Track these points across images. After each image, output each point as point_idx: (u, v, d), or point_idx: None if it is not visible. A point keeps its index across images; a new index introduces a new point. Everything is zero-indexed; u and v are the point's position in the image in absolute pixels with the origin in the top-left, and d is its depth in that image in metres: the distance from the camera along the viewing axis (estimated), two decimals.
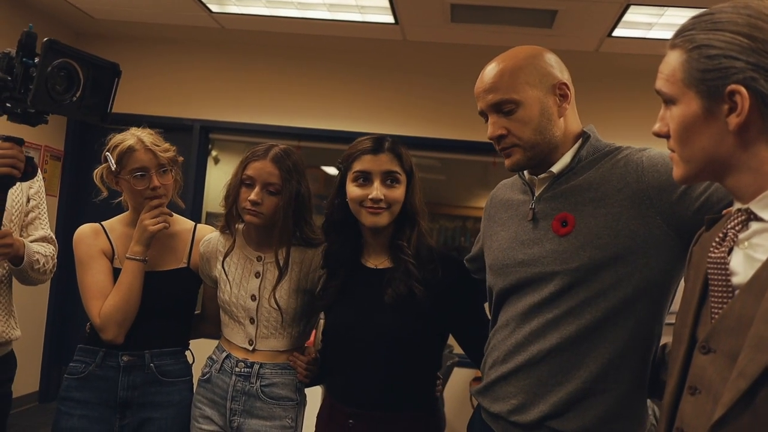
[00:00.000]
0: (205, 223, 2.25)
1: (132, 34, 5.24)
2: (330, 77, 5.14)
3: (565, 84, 1.49)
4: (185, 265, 2.12)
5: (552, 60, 1.51)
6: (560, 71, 1.51)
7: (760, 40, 0.97)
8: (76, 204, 5.15)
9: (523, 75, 1.46)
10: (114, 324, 1.95)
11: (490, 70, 1.50)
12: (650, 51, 4.43)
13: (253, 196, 1.87)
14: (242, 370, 1.93)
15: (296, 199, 1.91)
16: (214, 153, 5.56)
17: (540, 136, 1.46)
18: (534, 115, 1.45)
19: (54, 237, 2.20)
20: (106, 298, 1.97)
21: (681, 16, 3.84)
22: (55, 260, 2.16)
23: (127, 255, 2.01)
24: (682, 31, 1.06)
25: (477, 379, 4.33)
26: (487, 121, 1.52)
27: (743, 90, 0.97)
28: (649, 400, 1.50)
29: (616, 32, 4.31)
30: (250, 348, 1.95)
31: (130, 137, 2.02)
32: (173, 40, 5.25)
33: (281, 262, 1.92)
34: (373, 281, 1.78)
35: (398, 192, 1.76)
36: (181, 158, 2.13)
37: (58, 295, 5.16)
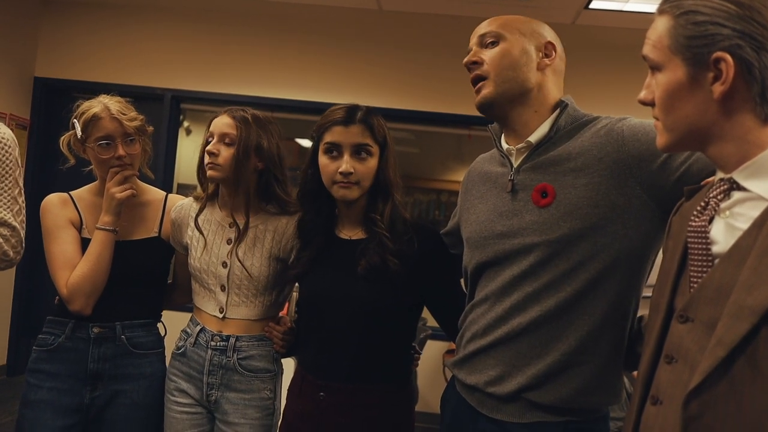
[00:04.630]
0: (173, 194, 2.21)
1: (102, 1, 5.09)
2: (304, 47, 5.06)
3: (552, 44, 1.54)
4: (156, 235, 2.09)
5: (549, 30, 1.57)
6: (554, 39, 1.55)
7: (747, 6, 0.96)
8: (44, 174, 5.04)
9: (518, 23, 1.53)
10: (82, 295, 1.92)
11: (492, 17, 1.57)
12: (627, 24, 4.43)
13: (209, 147, 1.89)
14: (218, 343, 1.91)
15: (257, 153, 1.91)
16: (186, 124, 5.47)
17: (512, 72, 1.49)
18: (512, 51, 1.50)
19: (12, 219, 1.96)
20: (74, 269, 1.93)
21: None
22: (12, 245, 1.95)
23: (97, 225, 1.96)
24: None
25: (450, 352, 4.36)
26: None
27: (728, 57, 0.96)
28: None
29: (593, 4, 4.30)
30: (221, 316, 1.93)
31: (96, 105, 1.96)
32: (144, 7, 5.12)
33: (243, 218, 1.91)
34: (347, 252, 1.76)
35: (369, 165, 1.73)
36: (150, 128, 2.08)
37: (25, 267, 5.04)
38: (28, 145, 5.12)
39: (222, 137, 1.89)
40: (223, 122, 1.91)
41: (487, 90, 1.50)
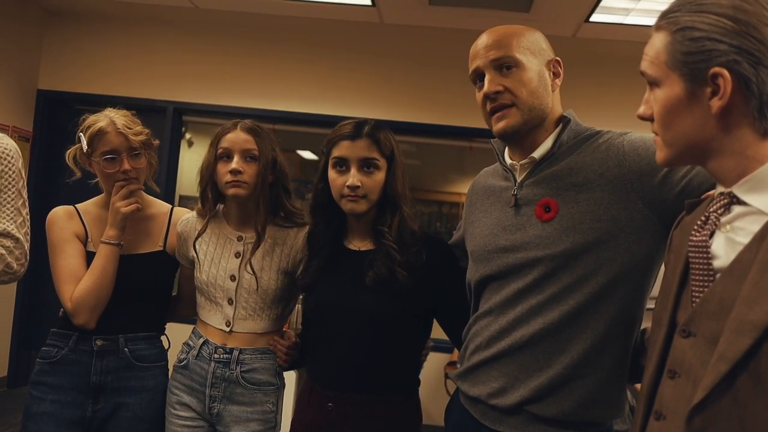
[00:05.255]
0: (178, 207, 2.21)
1: (104, 13, 5.12)
2: (306, 59, 5.08)
3: (558, 62, 1.53)
4: (161, 248, 2.09)
5: (544, 38, 1.55)
6: (552, 52, 1.54)
7: (743, 22, 0.97)
8: (47, 186, 5.05)
9: (525, 41, 1.50)
10: (86, 309, 1.92)
11: (493, 31, 1.53)
12: (627, 37, 4.45)
13: (233, 165, 1.87)
14: (221, 356, 1.91)
15: (273, 167, 1.93)
16: (187, 136, 5.48)
17: (536, 100, 1.48)
18: (532, 77, 1.48)
19: (16, 231, 1.93)
20: (79, 282, 1.94)
21: (658, 1, 3.86)
22: (16, 257, 1.93)
23: (102, 239, 1.97)
24: (668, 13, 1.05)
25: (451, 364, 4.34)
26: (476, 84, 1.53)
27: (726, 73, 0.97)
28: None
29: (594, 17, 4.31)
30: (227, 330, 1.93)
31: (102, 119, 1.97)
32: (146, 20, 5.14)
33: (259, 228, 1.91)
34: (355, 263, 1.77)
35: (376, 178, 1.74)
36: (156, 141, 2.09)
37: (27, 278, 5.02)
38: (30, 157, 5.13)
39: (244, 153, 1.89)
40: (241, 138, 1.90)
41: (513, 119, 1.47)
